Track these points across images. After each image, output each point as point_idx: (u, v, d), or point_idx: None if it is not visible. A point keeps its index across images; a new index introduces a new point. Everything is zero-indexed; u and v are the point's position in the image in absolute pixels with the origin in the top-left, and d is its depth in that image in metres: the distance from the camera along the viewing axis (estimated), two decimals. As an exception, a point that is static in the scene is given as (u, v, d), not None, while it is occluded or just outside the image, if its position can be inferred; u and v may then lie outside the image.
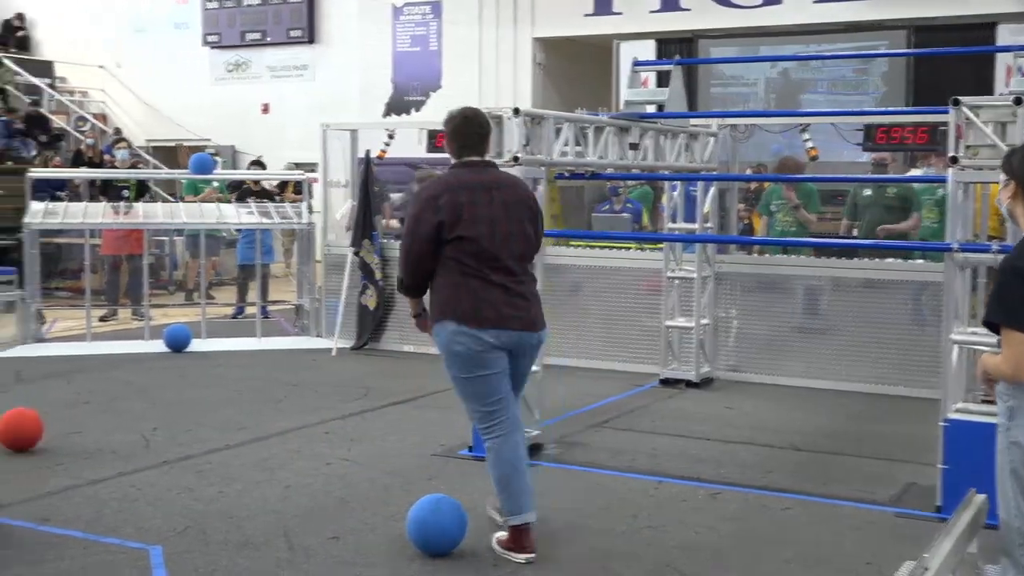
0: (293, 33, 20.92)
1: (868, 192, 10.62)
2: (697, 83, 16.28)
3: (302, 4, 20.63)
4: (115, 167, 15.25)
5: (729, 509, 6.03)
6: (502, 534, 5.35)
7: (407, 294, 5.60)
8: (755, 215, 12.92)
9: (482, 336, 5.17)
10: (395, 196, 13.63)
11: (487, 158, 5.53)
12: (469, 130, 5.44)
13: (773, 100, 16.19)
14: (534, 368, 7.14)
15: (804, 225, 10.71)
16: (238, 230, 13.59)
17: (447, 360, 5.33)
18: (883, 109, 13.72)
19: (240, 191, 14.05)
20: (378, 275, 11.15)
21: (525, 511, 5.27)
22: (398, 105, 19.01)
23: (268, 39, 21.16)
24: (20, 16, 23.70)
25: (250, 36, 21.36)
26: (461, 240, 5.20)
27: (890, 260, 9.42)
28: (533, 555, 5.20)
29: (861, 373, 9.30)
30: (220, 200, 13.46)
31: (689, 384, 9.47)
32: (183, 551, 5.27)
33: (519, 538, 5.26)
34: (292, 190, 16.48)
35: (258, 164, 16.07)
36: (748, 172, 12.16)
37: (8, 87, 21.32)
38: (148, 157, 19.96)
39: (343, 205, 11.91)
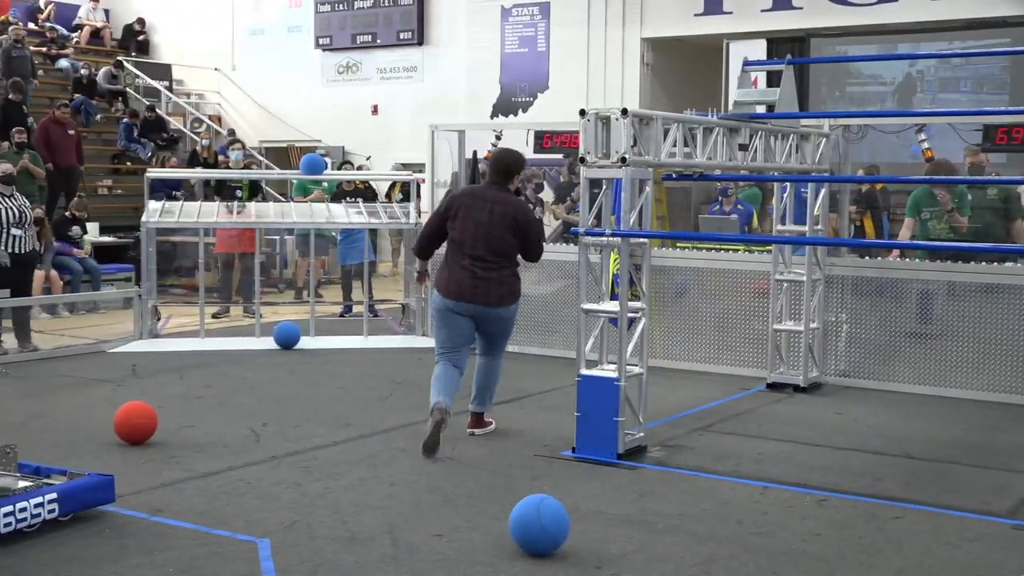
0: (403, 35, 21.13)
1: (969, 196, 10.31)
2: (811, 82, 16.01)
3: (412, 6, 20.82)
4: (229, 167, 15.59)
5: (837, 517, 5.91)
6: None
7: (417, 255, 8.17)
8: (867, 217, 12.65)
9: (447, 302, 7.40)
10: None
11: (507, 185, 7.53)
12: (498, 166, 7.59)
13: (911, 100, 15.77)
14: (637, 370, 7.16)
15: (956, 230, 10.29)
16: (338, 232, 13.77)
17: (430, 312, 8.02)
18: (999, 109, 13.29)
19: (335, 193, 14.27)
20: (483, 275, 11.17)
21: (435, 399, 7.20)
22: (505, 106, 19.09)
23: (378, 41, 21.40)
24: (140, 21, 24.38)
25: (361, 38, 21.63)
26: (453, 232, 7.45)
27: (1009, 264, 9.13)
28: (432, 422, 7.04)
29: (976, 380, 9.04)
30: (328, 201, 13.66)
31: (797, 389, 9.32)
32: (290, 544, 5.35)
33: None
34: (399, 190, 16.69)
35: (348, 164, 16.39)
36: (860, 173, 11.88)
37: (128, 90, 21.96)
38: (260, 158, 20.36)
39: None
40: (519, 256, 7.57)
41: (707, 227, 12.21)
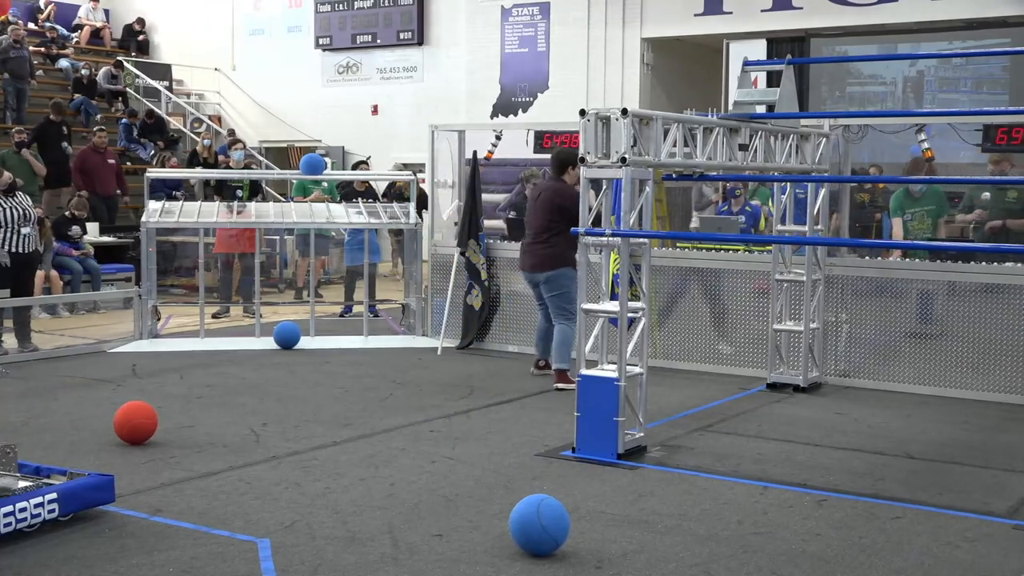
0: (403, 35, 21.14)
1: (987, 195, 10.31)
2: (811, 82, 16.00)
3: (412, 7, 20.83)
4: (230, 167, 15.59)
5: (836, 517, 5.91)
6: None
7: None
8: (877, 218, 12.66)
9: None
10: (500, 197, 13.68)
11: (560, 177, 9.31)
12: (556, 161, 9.34)
13: (912, 100, 15.76)
14: (637, 370, 7.16)
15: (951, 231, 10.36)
16: (346, 231, 13.77)
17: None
18: (999, 109, 13.29)
19: (345, 191, 14.26)
20: (484, 275, 11.20)
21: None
22: (506, 106, 19.09)
23: (378, 41, 21.41)
24: (140, 21, 24.39)
25: (361, 38, 21.64)
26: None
27: (1009, 264, 9.13)
28: (543, 372, 9.65)
29: (977, 380, 9.05)
30: (328, 201, 13.65)
31: (797, 389, 9.32)
32: (290, 544, 5.35)
33: (560, 377, 9.25)
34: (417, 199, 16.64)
35: (364, 164, 16.29)
36: (871, 172, 11.89)
37: (128, 90, 21.97)
38: (260, 158, 20.37)
39: (450, 205, 12.00)
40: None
41: (707, 227, 12.20)
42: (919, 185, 10.61)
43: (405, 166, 17.79)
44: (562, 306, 9.27)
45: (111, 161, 17.07)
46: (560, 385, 9.17)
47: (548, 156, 12.93)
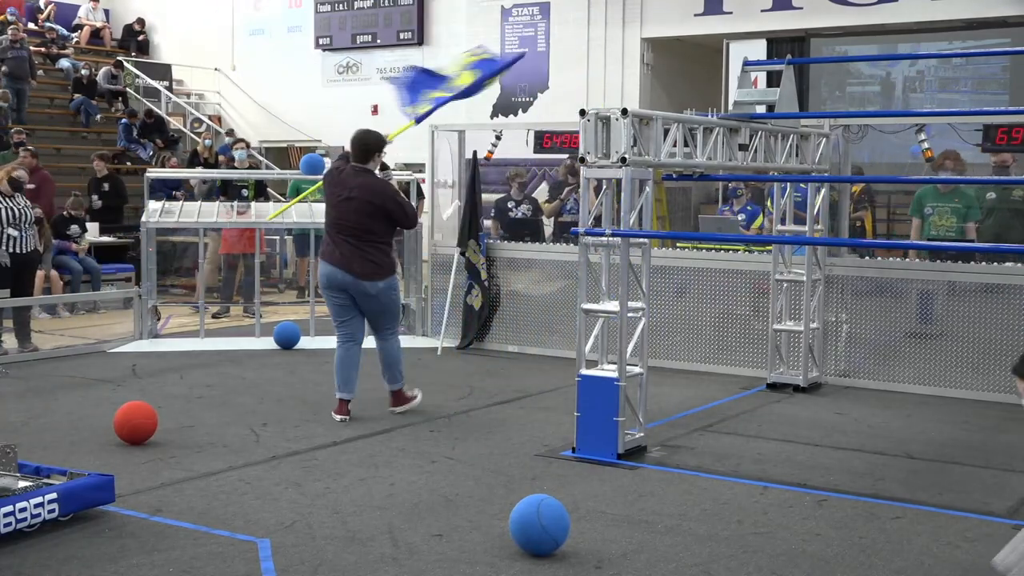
0: (403, 35, 21.11)
1: (992, 195, 10.30)
2: (811, 82, 15.99)
3: (412, 7, 20.81)
4: (235, 167, 15.57)
5: (837, 517, 5.91)
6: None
7: None
8: (867, 216, 12.64)
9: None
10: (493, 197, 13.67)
11: (365, 166, 7.98)
12: (361, 146, 7.99)
13: (912, 100, 15.75)
14: (637, 370, 7.16)
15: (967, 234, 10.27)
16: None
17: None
18: (999, 109, 13.28)
19: None
20: (484, 275, 11.20)
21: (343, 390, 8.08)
22: (505, 106, 19.08)
23: (378, 41, 21.39)
24: (140, 21, 24.38)
25: (361, 39, 21.61)
26: None
27: (1009, 264, 9.14)
28: (346, 417, 8.00)
29: (977, 380, 9.05)
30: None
31: (797, 389, 9.32)
32: (290, 544, 5.35)
33: (339, 407, 8.06)
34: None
35: None
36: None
37: (128, 90, 21.97)
38: (260, 158, 20.35)
39: (450, 205, 12.00)
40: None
41: (707, 227, 12.20)
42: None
43: (405, 166, 17.76)
44: (392, 320, 8.20)
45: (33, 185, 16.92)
46: (401, 408, 8.24)
47: (548, 156, 12.95)
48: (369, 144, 8.03)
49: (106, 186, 16.73)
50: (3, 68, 19.03)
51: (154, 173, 13.56)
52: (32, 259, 11.28)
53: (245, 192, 14.08)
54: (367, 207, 7.86)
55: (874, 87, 16.35)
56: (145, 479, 6.46)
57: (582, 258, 7.29)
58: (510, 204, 12.74)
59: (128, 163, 19.64)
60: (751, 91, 9.14)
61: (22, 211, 10.89)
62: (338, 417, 8.00)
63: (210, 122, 22.06)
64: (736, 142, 8.09)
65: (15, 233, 10.79)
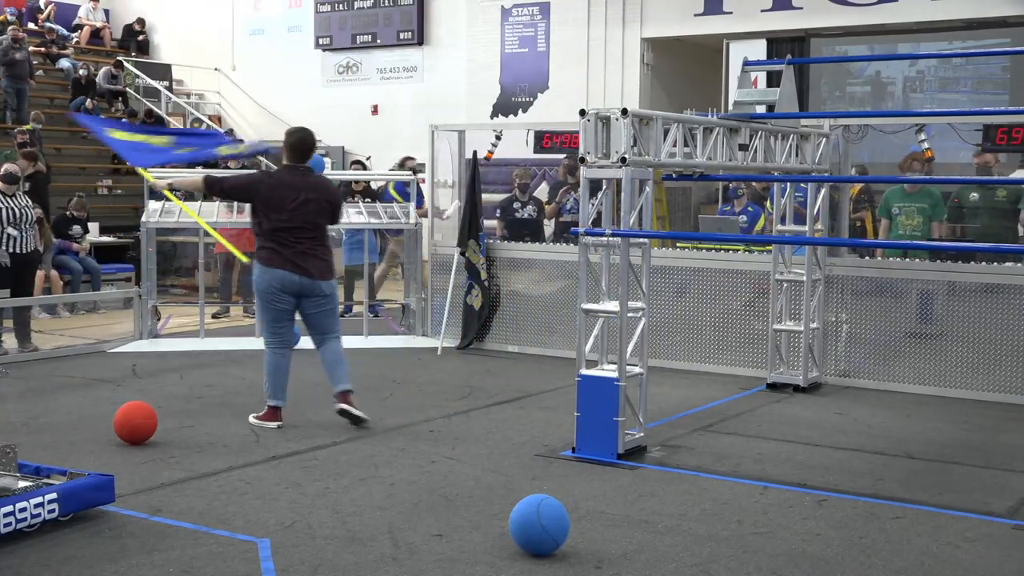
0: (403, 35, 21.12)
1: (975, 195, 10.31)
2: (811, 82, 15.99)
3: (412, 7, 20.82)
4: (229, 167, 15.55)
5: (837, 517, 5.91)
6: (258, 413, 7.91)
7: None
8: (867, 216, 12.64)
9: None
10: (499, 197, 13.67)
11: (306, 164, 7.98)
12: (303, 146, 7.93)
13: (912, 100, 15.75)
14: (637, 370, 7.16)
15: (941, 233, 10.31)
16: (344, 231, 13.76)
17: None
18: (999, 109, 13.29)
19: (343, 192, 14.22)
20: (484, 275, 11.20)
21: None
22: (505, 106, 19.09)
23: (378, 41, 21.40)
24: (140, 21, 24.38)
25: (361, 39, 21.62)
26: None
27: (1008, 264, 9.14)
28: (280, 423, 7.81)
29: (977, 380, 9.05)
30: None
31: (797, 389, 9.32)
32: (290, 544, 5.35)
33: (272, 414, 7.84)
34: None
35: (359, 164, 16.24)
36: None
37: (128, 90, 21.97)
38: (260, 158, 20.34)
39: (450, 205, 12.01)
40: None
41: (707, 227, 12.20)
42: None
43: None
44: (336, 321, 8.06)
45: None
46: (350, 409, 7.88)
47: (548, 156, 12.94)
48: (309, 143, 8.01)
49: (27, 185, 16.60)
50: (7, 67, 19.01)
51: (154, 173, 13.51)
52: (32, 259, 11.28)
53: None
54: (325, 207, 7.85)
55: (874, 87, 16.36)
56: (145, 479, 6.46)
57: (582, 258, 7.28)
58: (515, 204, 12.73)
59: (128, 163, 19.62)
60: (751, 91, 9.14)
61: (22, 211, 10.90)
62: (275, 424, 7.79)
63: (210, 122, 22.06)
64: (736, 142, 8.09)
65: (15, 233, 10.80)
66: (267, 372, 7.91)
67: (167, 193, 8.89)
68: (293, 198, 7.69)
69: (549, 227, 13.12)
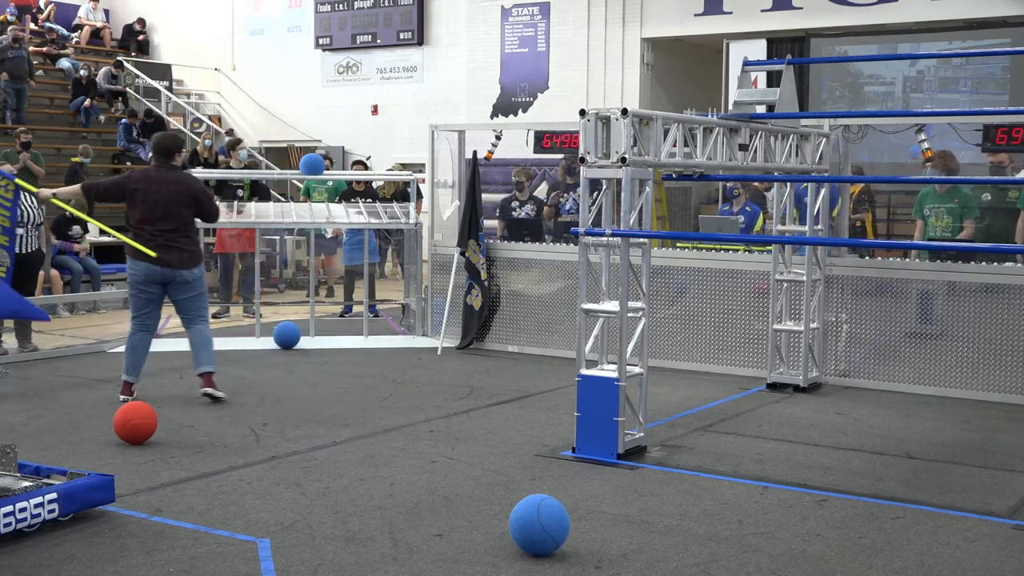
0: (403, 35, 21.15)
1: (988, 196, 10.29)
2: (814, 81, 16.00)
3: (412, 7, 20.84)
4: (230, 167, 15.57)
5: (837, 517, 5.91)
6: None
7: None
8: (867, 216, 12.65)
9: None
10: (499, 197, 13.67)
11: (172, 164, 8.59)
12: (163, 148, 8.60)
13: (912, 100, 15.75)
14: (637, 370, 7.16)
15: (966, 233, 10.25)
16: (345, 231, 13.76)
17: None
18: (999, 109, 13.28)
19: (344, 192, 14.24)
20: (483, 275, 11.20)
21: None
22: (505, 106, 19.10)
23: (378, 41, 21.43)
24: (140, 21, 24.41)
25: (361, 39, 21.65)
26: None
27: (1009, 264, 9.14)
28: (130, 397, 8.36)
29: (977, 380, 9.05)
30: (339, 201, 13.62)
31: (797, 389, 9.32)
32: (290, 544, 5.35)
33: (125, 388, 8.48)
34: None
35: (361, 164, 16.24)
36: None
37: (128, 90, 21.98)
38: (260, 158, 20.37)
39: (450, 205, 12.01)
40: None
41: (707, 227, 12.20)
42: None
43: (405, 166, 17.78)
44: (203, 305, 8.72)
45: None
46: (212, 391, 8.57)
47: (548, 156, 12.96)
48: (168, 146, 8.67)
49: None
50: (7, 67, 19.02)
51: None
52: (35, 259, 11.27)
53: (241, 192, 14.08)
54: (182, 196, 8.44)
55: (874, 87, 16.36)
56: (145, 479, 6.46)
57: (582, 258, 7.28)
58: (514, 204, 12.75)
59: (128, 163, 19.64)
60: (751, 91, 9.13)
61: (29, 211, 10.89)
62: (123, 397, 8.39)
63: (210, 122, 22.08)
64: (736, 142, 8.08)
65: (20, 232, 10.79)
66: (126, 350, 8.67)
67: (56, 202, 9.33)
68: (155, 191, 8.43)
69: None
